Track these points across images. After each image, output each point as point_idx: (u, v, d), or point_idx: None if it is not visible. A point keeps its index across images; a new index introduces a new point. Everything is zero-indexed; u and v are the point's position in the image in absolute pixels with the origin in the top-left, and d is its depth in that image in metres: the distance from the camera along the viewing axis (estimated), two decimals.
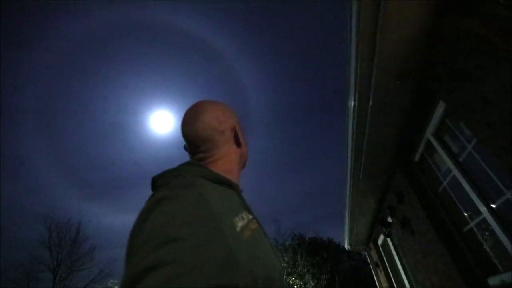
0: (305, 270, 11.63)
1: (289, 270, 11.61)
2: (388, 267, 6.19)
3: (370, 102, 2.72)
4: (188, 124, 0.79)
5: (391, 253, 5.57)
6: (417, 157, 3.27)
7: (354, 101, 2.84)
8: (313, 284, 11.12)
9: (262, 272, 0.53)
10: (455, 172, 2.56)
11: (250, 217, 0.64)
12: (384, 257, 6.34)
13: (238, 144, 0.81)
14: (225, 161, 0.77)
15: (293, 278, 11.22)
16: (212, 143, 0.76)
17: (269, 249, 0.63)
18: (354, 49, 2.27)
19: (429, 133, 2.83)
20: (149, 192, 0.63)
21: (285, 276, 11.25)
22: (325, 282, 11.26)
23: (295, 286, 10.67)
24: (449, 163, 2.62)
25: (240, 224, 0.57)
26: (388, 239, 5.23)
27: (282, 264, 11.64)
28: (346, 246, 7.81)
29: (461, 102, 2.07)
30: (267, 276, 0.55)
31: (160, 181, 0.65)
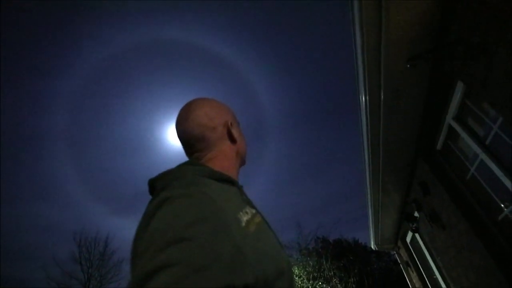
0: (332, 273, 11.25)
1: (315, 274, 11.28)
2: (420, 266, 5.83)
3: (382, 92, 2.62)
4: (179, 124, 0.79)
5: (422, 251, 5.25)
6: (439, 145, 3.09)
7: (365, 95, 2.75)
8: None
9: (270, 265, 0.53)
10: (483, 156, 2.38)
11: (254, 211, 0.63)
12: (414, 255, 5.99)
13: (232, 140, 0.79)
14: (221, 158, 0.76)
15: (320, 283, 10.88)
16: (206, 141, 0.76)
17: (275, 242, 0.62)
18: (359, 38, 2.20)
19: (449, 118, 2.67)
20: None
21: (311, 281, 10.95)
22: (354, 286, 10.81)
23: None
24: (475, 147, 2.44)
25: (244, 218, 0.57)
26: (417, 236, 4.95)
27: (307, 269, 11.36)
28: (373, 246, 7.47)
29: (482, 80, 1.93)
30: (276, 268, 0.54)
31: (160, 183, 0.64)
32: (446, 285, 4.46)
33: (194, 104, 0.80)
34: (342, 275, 11.22)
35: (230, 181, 0.69)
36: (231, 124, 0.80)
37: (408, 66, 2.06)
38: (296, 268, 11.46)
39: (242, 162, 0.85)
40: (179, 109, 0.83)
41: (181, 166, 0.72)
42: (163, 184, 0.63)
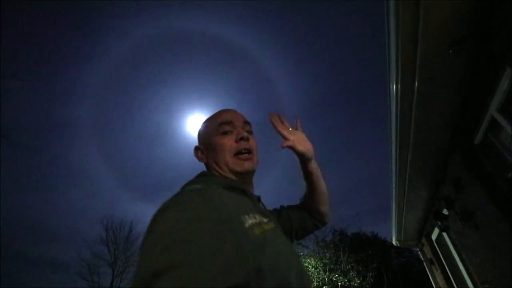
0: (349, 266, 11.13)
1: (332, 266, 11.24)
2: (445, 265, 5.56)
3: (416, 80, 2.40)
4: None
5: (449, 249, 4.98)
6: (478, 139, 2.82)
7: (396, 83, 2.54)
8: (358, 281, 10.60)
9: (271, 270, 0.51)
10: None
11: (265, 220, 0.63)
12: (440, 253, 5.72)
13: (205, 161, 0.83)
14: (220, 172, 0.78)
15: (336, 275, 10.83)
16: (205, 165, 0.84)
17: (285, 251, 0.61)
18: (393, 20, 2.00)
19: (493, 109, 2.40)
20: None
21: (327, 273, 10.91)
22: (371, 280, 10.64)
23: (339, 283, 10.27)
24: None
25: (250, 221, 0.57)
26: (445, 234, 4.68)
27: (324, 261, 11.32)
28: (394, 242, 7.24)
29: None
30: (278, 275, 0.52)
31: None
32: (474, 286, 4.21)
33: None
34: (360, 269, 11.07)
35: (240, 189, 0.70)
36: (203, 146, 0.86)
37: (451, 51, 1.85)
38: (313, 259, 11.45)
39: (238, 169, 0.78)
40: (212, 111, 0.91)
41: (197, 175, 0.79)
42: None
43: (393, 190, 4.71)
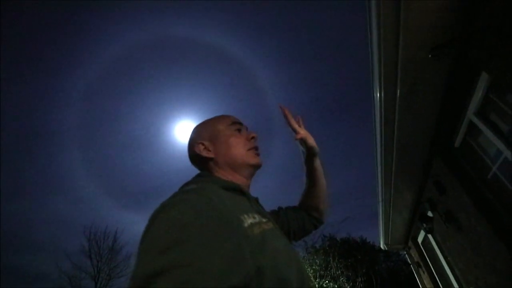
0: (339, 272, 11.12)
1: (322, 272, 11.19)
2: (431, 267, 5.67)
3: (398, 86, 2.48)
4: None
5: (434, 252, 5.09)
6: (457, 142, 2.93)
7: (380, 89, 2.61)
8: (348, 287, 10.59)
9: (271, 269, 0.51)
10: (507, 153, 2.22)
11: (264, 220, 0.63)
12: (426, 256, 5.83)
13: (209, 158, 0.82)
14: (214, 173, 0.79)
15: (327, 281, 10.77)
16: (203, 165, 0.83)
17: (285, 250, 0.60)
18: (375, 26, 2.07)
19: (470, 113, 2.51)
20: None
21: (317, 279, 10.87)
22: (361, 285, 10.67)
23: None
24: (499, 144, 2.29)
25: (249, 221, 0.57)
26: (430, 236, 4.79)
27: (314, 267, 11.28)
28: (382, 246, 7.33)
29: (510, 71, 1.78)
30: (278, 275, 0.52)
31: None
32: (459, 287, 4.30)
33: (192, 131, 0.92)
34: (350, 274, 11.08)
35: (238, 190, 0.70)
36: (205, 144, 0.85)
37: (430, 56, 1.93)
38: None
39: (239, 167, 0.81)
40: (201, 118, 0.94)
41: (194, 176, 0.78)
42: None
43: (379, 194, 4.80)
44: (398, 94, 2.56)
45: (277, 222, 0.84)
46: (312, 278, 10.96)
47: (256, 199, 0.80)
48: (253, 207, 0.68)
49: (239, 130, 0.86)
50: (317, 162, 0.99)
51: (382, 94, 2.63)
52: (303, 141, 0.95)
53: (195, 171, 0.85)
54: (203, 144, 0.84)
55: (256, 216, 0.62)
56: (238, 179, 0.79)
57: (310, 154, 0.97)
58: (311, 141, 0.96)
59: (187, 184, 0.72)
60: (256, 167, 0.83)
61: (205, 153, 0.83)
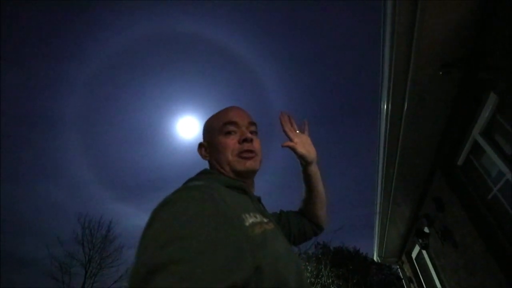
0: (330, 281, 11.07)
1: (313, 280, 11.14)
2: (423, 283, 5.65)
3: (406, 100, 2.50)
4: None
5: (428, 268, 5.07)
6: (460, 160, 2.94)
7: (387, 101, 2.63)
8: None
9: (270, 269, 0.51)
10: (510, 176, 2.23)
11: (265, 220, 0.63)
12: (419, 271, 5.81)
13: (210, 158, 0.84)
14: (221, 171, 0.79)
15: None
16: (205, 158, 0.86)
17: (285, 252, 0.60)
18: (389, 40, 2.09)
19: (476, 132, 2.52)
20: None
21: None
22: None
23: None
24: (502, 166, 2.30)
25: (250, 220, 0.57)
26: (424, 252, 4.78)
27: (305, 274, 11.23)
28: (375, 258, 7.31)
29: None
30: (278, 276, 0.52)
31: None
32: None
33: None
34: (341, 283, 11.04)
35: (241, 189, 0.70)
36: (207, 142, 0.87)
37: (441, 73, 1.95)
38: None
39: (239, 168, 0.78)
40: (203, 114, 0.99)
41: (199, 173, 0.79)
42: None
43: (378, 205, 4.79)
44: (405, 107, 2.58)
45: (278, 224, 0.83)
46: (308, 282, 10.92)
47: (259, 199, 0.80)
48: (255, 207, 0.68)
49: (230, 132, 0.80)
50: (312, 170, 0.97)
51: (390, 106, 2.65)
52: (292, 149, 0.93)
53: (195, 166, 0.85)
54: (203, 146, 0.87)
55: (257, 215, 0.62)
56: (238, 179, 0.78)
57: (301, 162, 0.96)
58: (303, 149, 0.93)
59: (190, 180, 0.73)
60: (245, 172, 0.77)
61: (204, 156, 0.86)
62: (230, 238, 0.47)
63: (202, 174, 0.79)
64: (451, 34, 1.86)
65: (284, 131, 0.94)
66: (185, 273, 0.38)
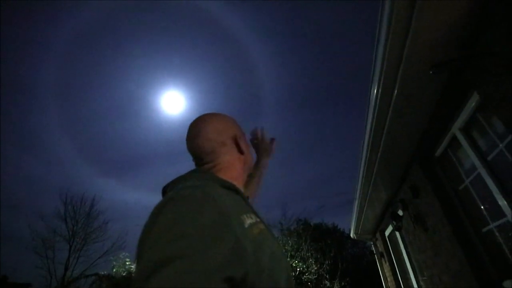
0: (309, 254, 11.83)
1: (293, 253, 11.85)
2: (393, 259, 6.19)
3: (394, 94, 2.53)
4: (191, 139, 0.83)
5: (398, 246, 5.53)
6: (438, 152, 3.11)
7: (378, 89, 2.65)
8: (315, 268, 11.36)
9: (269, 269, 0.54)
10: (481, 170, 2.40)
11: (258, 219, 0.66)
12: (390, 248, 6.33)
13: (241, 152, 0.85)
14: (230, 169, 0.80)
15: (296, 261, 11.46)
16: (215, 154, 0.80)
17: (278, 252, 0.63)
18: (384, 37, 2.06)
19: (456, 128, 2.65)
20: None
21: (288, 259, 11.51)
22: (327, 267, 11.47)
23: (298, 269, 10.93)
24: (475, 161, 2.46)
25: (248, 221, 0.59)
26: (397, 232, 5.18)
27: (286, 247, 11.89)
28: (352, 235, 7.83)
29: (500, 97, 1.88)
30: (272, 275, 0.55)
31: (170, 187, 0.71)
32: (416, 279, 4.77)
33: (204, 121, 0.85)
34: (318, 256, 11.83)
35: (234, 189, 0.71)
36: (239, 137, 0.85)
37: (431, 72, 1.98)
38: None
39: (249, 170, 0.92)
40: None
41: (190, 172, 0.78)
42: (171, 188, 0.69)
43: (358, 188, 5.03)
44: (393, 100, 2.62)
45: None
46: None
47: (247, 198, 0.81)
48: (249, 207, 0.70)
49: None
50: (265, 162, 1.22)
51: (378, 98, 2.68)
52: (259, 141, 1.24)
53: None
54: (239, 137, 0.93)
55: (253, 216, 0.64)
56: (240, 179, 0.84)
57: (259, 155, 1.24)
58: (264, 145, 1.25)
59: (186, 179, 0.72)
60: (249, 171, 0.97)
61: (243, 146, 0.92)
62: (231, 238, 0.49)
63: (194, 173, 0.78)
64: (445, 34, 1.86)
65: (251, 141, 1.22)
66: (186, 267, 0.41)
